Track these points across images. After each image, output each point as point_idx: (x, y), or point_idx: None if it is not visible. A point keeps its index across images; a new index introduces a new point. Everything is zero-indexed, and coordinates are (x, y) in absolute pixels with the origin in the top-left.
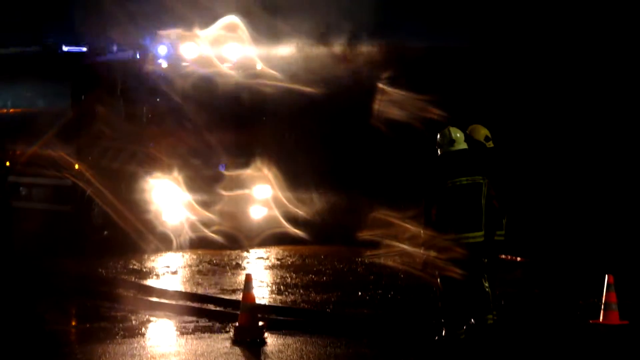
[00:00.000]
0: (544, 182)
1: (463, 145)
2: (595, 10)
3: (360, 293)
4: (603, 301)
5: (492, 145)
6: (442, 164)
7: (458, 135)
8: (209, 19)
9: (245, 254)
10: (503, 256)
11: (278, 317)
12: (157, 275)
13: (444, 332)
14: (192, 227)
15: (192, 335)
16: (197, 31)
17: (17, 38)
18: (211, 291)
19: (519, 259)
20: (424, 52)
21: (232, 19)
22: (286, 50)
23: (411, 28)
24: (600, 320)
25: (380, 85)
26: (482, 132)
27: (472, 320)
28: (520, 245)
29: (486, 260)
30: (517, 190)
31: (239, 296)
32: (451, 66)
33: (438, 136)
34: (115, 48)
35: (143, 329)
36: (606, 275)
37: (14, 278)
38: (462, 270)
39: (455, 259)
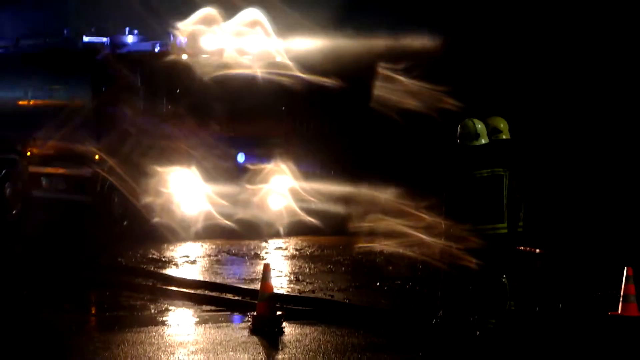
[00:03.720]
0: (563, 173)
1: (485, 139)
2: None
3: (378, 283)
4: (622, 293)
5: (508, 136)
6: (463, 156)
7: (479, 126)
8: (230, 11)
9: (263, 244)
10: (522, 248)
11: (296, 307)
12: (176, 265)
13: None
14: (211, 217)
15: (210, 324)
16: (218, 23)
17: (39, 29)
18: (229, 280)
19: (537, 250)
20: (441, 42)
21: (253, 11)
22: (306, 42)
23: (427, 20)
24: (619, 312)
25: (397, 75)
26: (497, 124)
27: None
28: (539, 236)
29: (505, 250)
30: (536, 181)
31: (257, 286)
32: (467, 57)
33: (459, 127)
34: (136, 39)
35: (161, 318)
36: (625, 267)
37: (35, 268)
38: (479, 260)
39: (473, 249)
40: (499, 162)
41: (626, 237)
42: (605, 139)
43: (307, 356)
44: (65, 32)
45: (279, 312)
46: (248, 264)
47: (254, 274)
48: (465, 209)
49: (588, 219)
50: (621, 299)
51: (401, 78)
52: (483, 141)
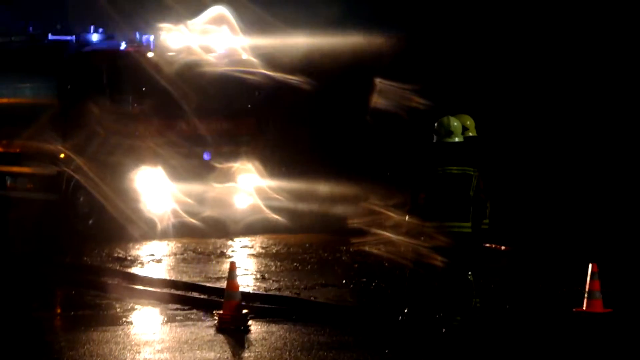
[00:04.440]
0: (528, 171)
1: (460, 138)
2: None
3: (344, 281)
4: (587, 289)
5: (474, 134)
6: (434, 151)
7: (455, 124)
8: (196, 8)
9: (230, 242)
10: (487, 245)
11: (262, 305)
12: (142, 264)
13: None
14: (178, 215)
15: (177, 323)
16: (184, 21)
17: (3, 27)
18: (196, 279)
19: (503, 247)
20: (409, 41)
21: (220, 9)
22: (273, 40)
23: (394, 17)
24: (584, 308)
25: (366, 75)
26: (464, 121)
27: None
28: (504, 234)
29: (470, 249)
30: (501, 178)
31: (223, 284)
32: (436, 55)
33: (435, 124)
34: (101, 37)
35: (127, 317)
36: (590, 264)
37: None
38: (445, 258)
39: (439, 247)
40: (470, 162)
41: (591, 234)
42: (569, 136)
43: (274, 354)
44: (30, 30)
45: (245, 311)
46: (214, 262)
47: (220, 273)
48: (432, 206)
49: (553, 216)
50: (586, 295)
51: (372, 77)
52: (457, 139)
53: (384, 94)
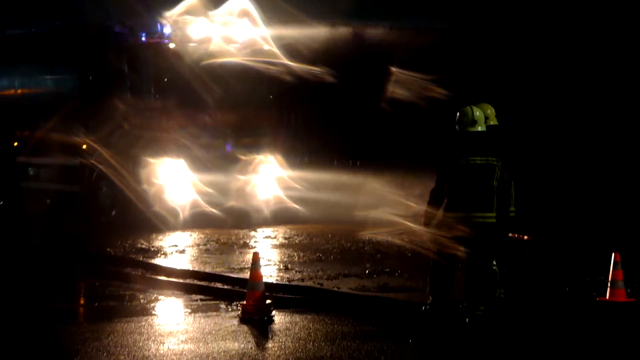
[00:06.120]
0: (550, 160)
1: (482, 127)
2: None
3: (367, 271)
4: (610, 279)
5: (495, 122)
6: (457, 142)
7: (477, 113)
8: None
9: (252, 233)
10: (511, 234)
11: (285, 295)
12: (165, 254)
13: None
14: (200, 206)
15: (200, 314)
16: (206, 12)
17: (26, 18)
18: (219, 270)
19: (526, 237)
20: (428, 32)
21: (241, 0)
22: (295, 31)
23: (413, 9)
24: (607, 297)
25: (386, 65)
26: (484, 110)
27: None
28: (527, 224)
29: (494, 239)
30: (524, 168)
31: (246, 274)
32: (455, 46)
33: (458, 114)
34: (123, 28)
35: (151, 308)
36: (613, 253)
37: (22, 258)
38: (467, 248)
39: (462, 237)
40: (493, 152)
41: (613, 223)
42: (591, 125)
43: (297, 344)
44: (52, 21)
45: (268, 301)
46: (237, 253)
47: (243, 263)
48: (456, 196)
49: (576, 205)
50: (609, 284)
51: (390, 67)
52: (480, 128)
53: (403, 84)
